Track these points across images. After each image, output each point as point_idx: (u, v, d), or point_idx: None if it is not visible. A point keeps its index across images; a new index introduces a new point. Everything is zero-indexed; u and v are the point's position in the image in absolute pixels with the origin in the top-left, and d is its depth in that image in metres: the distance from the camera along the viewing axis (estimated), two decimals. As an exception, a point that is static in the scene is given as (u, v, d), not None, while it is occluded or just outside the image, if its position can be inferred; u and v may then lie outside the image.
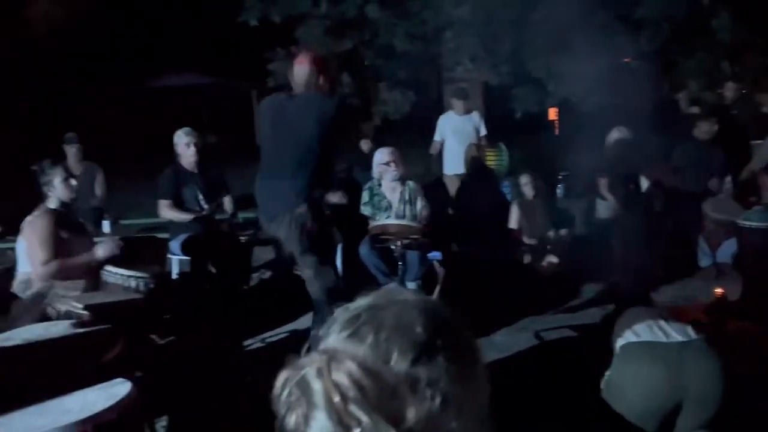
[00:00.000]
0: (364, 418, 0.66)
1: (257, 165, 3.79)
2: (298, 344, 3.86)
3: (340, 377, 0.68)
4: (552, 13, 7.29)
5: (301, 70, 3.60)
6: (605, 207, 5.89)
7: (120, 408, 1.95)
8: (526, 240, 5.60)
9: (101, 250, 3.64)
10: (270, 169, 3.68)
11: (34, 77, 14.11)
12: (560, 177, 7.23)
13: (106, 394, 2.00)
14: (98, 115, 14.62)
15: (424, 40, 8.47)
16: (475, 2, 7.99)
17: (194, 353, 3.92)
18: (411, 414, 0.68)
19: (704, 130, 5.78)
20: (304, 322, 4.43)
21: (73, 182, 3.74)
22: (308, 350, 0.83)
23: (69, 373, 2.18)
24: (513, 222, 5.73)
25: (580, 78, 7.40)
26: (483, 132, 7.00)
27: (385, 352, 0.70)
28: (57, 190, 3.66)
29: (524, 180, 5.81)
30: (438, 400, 0.69)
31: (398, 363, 0.70)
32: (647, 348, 2.46)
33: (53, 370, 2.18)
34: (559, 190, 7.19)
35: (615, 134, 5.88)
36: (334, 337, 0.74)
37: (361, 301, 0.78)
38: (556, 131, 9.97)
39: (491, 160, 6.75)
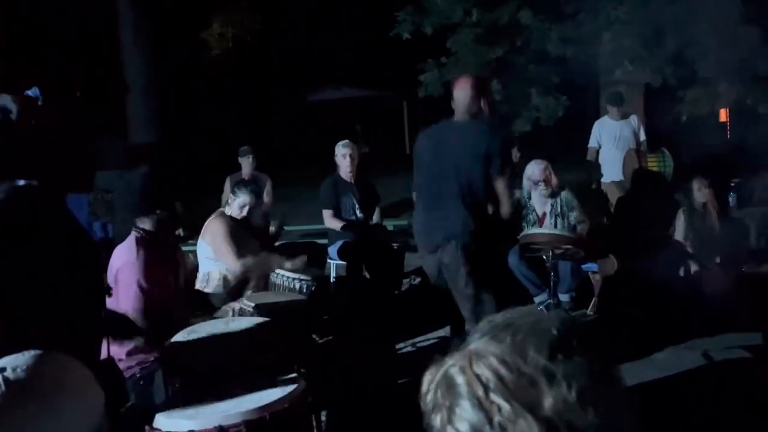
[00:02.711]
0: (505, 405, 0.73)
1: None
2: (445, 350, 3.90)
3: (482, 370, 0.76)
4: (722, 8, 6.74)
5: (461, 94, 3.58)
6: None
7: (291, 399, 2.12)
8: (692, 251, 5.20)
9: (292, 265, 3.84)
10: (431, 198, 3.65)
11: (208, 94, 15.55)
12: (732, 184, 6.63)
13: (279, 385, 2.20)
14: (265, 128, 15.78)
15: (579, 43, 8.20)
16: (636, 1, 7.60)
17: (350, 353, 4.12)
18: (548, 403, 0.73)
19: None
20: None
21: (246, 211, 4.11)
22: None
23: (245, 364, 2.41)
24: (679, 233, 5.34)
25: (756, 76, 6.77)
26: (642, 137, 6.63)
27: (522, 349, 0.77)
28: (234, 208, 4.13)
29: (695, 186, 5.33)
30: (574, 393, 0.74)
31: (535, 358, 0.76)
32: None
33: (232, 361, 2.42)
34: (731, 199, 6.60)
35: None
36: (474, 342, 0.81)
37: (502, 314, 0.85)
38: (728, 134, 9.18)
39: (653, 166, 6.39)
